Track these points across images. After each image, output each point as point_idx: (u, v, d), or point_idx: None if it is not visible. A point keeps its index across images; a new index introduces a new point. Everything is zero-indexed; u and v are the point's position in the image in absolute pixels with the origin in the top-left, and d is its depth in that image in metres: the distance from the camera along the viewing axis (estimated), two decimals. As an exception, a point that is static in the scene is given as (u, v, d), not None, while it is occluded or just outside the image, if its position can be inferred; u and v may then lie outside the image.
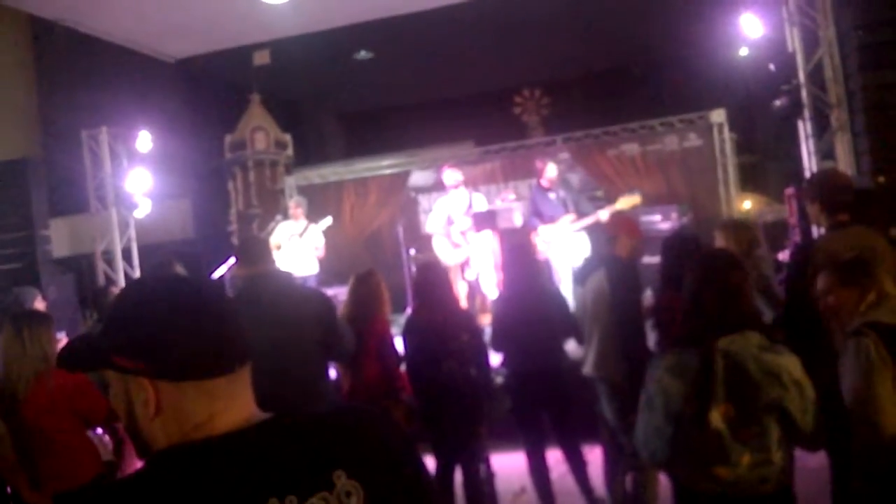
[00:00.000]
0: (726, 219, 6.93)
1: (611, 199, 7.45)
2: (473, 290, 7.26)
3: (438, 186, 8.79)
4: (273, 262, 3.48)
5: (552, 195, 7.07)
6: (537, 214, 7.07)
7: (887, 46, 5.96)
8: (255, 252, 3.39)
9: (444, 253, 7.32)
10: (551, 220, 6.95)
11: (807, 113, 6.23)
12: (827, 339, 3.05)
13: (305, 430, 1.04)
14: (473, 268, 7.19)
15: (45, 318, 3.39)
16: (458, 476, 4.04)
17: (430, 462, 4.14)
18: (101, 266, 7.96)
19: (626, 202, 6.84)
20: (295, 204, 7.66)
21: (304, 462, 1.00)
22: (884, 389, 2.06)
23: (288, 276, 3.70)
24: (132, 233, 8.13)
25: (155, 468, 0.99)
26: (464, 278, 7.26)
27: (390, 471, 1.06)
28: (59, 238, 8.83)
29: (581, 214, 6.91)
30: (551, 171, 7.07)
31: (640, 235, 4.27)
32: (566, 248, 6.91)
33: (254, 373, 3.19)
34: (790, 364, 2.23)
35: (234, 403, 1.02)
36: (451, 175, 7.35)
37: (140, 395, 1.00)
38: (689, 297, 2.38)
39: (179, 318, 1.01)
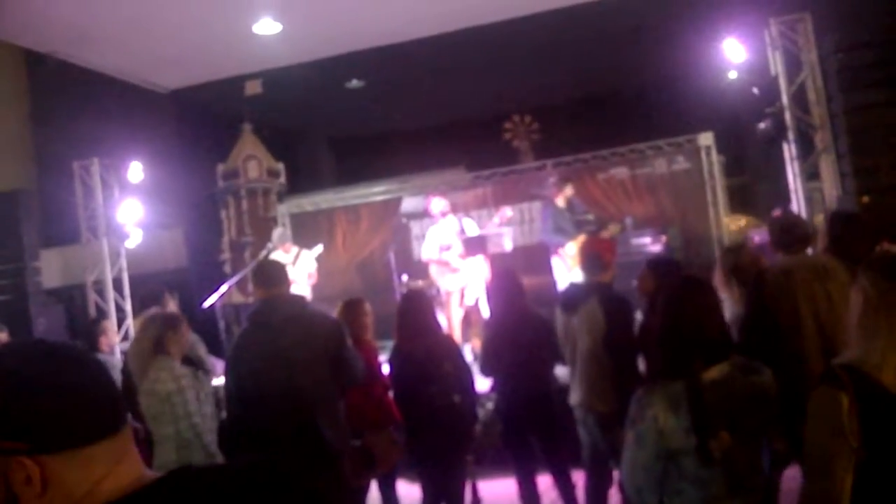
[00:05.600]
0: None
1: (601, 224, 7.50)
2: (471, 314, 7.25)
3: (430, 213, 8.84)
4: (288, 285, 3.55)
5: (568, 214, 7.19)
6: (560, 231, 7.12)
7: (868, 68, 6.05)
8: (271, 274, 3.51)
9: (443, 279, 7.29)
10: (572, 237, 7.03)
11: (791, 135, 6.30)
12: (784, 360, 3.11)
13: (199, 486, 1.00)
14: (470, 293, 7.19)
15: None
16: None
17: (416, 490, 4.12)
18: (92, 296, 7.95)
19: (615, 228, 6.97)
20: (280, 240, 7.59)
21: None
22: (843, 459, 1.81)
23: (301, 299, 3.74)
24: (123, 263, 8.13)
25: None
26: (462, 304, 7.24)
27: None
28: (50, 269, 8.82)
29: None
30: (569, 190, 7.20)
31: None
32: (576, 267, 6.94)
33: (265, 394, 3.19)
34: (771, 382, 2.25)
35: (120, 465, 0.98)
36: (437, 204, 7.38)
37: (19, 476, 0.93)
38: (665, 327, 2.33)
39: (48, 388, 0.95)
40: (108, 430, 0.98)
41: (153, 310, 4.57)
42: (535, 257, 7.81)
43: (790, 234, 3.44)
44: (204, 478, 1.03)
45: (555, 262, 7.23)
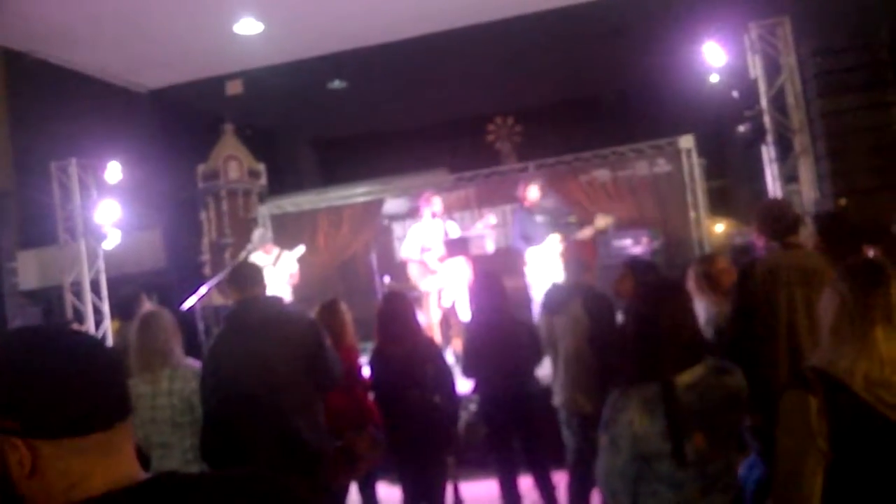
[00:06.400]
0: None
1: (583, 225, 7.52)
2: (449, 316, 7.25)
3: (412, 214, 8.83)
4: (264, 287, 3.52)
5: (538, 217, 7.15)
6: (525, 237, 7.12)
7: (846, 72, 6.13)
8: (247, 276, 3.47)
9: (420, 279, 7.30)
10: (538, 241, 7.02)
11: (770, 138, 6.36)
12: (763, 352, 3.15)
13: (183, 493, 1.00)
14: (448, 294, 7.19)
15: None
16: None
17: (396, 492, 4.11)
18: (69, 298, 7.85)
19: (602, 221, 6.97)
20: (260, 241, 7.50)
21: None
22: (812, 461, 1.82)
23: (278, 301, 3.71)
24: (101, 264, 8.04)
25: None
26: (440, 305, 7.24)
27: None
28: (27, 271, 8.71)
29: (564, 235, 7.01)
30: (533, 192, 7.18)
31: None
32: (550, 270, 6.93)
33: (242, 396, 3.13)
34: (742, 382, 2.27)
35: (112, 461, 0.99)
36: (437, 203, 7.35)
37: (14, 455, 0.95)
38: (639, 331, 2.32)
39: (56, 375, 0.97)
40: (104, 424, 0.99)
41: (148, 306, 4.51)
42: (516, 260, 7.82)
43: (780, 222, 3.41)
44: (194, 484, 1.03)
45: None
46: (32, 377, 0.96)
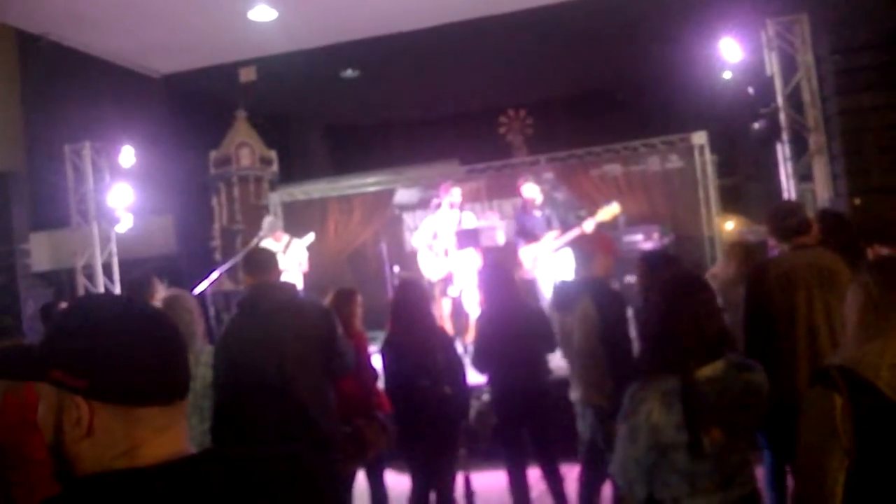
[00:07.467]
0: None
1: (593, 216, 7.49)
2: (457, 306, 7.26)
3: (423, 204, 8.84)
4: (279, 273, 3.54)
5: (537, 213, 7.14)
6: (521, 233, 7.13)
7: (863, 71, 6.08)
8: (261, 262, 3.51)
9: (428, 267, 7.32)
10: (535, 238, 7.00)
11: (785, 136, 6.32)
12: (781, 353, 3.14)
13: (230, 470, 1.02)
14: (456, 284, 7.20)
15: (14, 331, 3.36)
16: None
17: (404, 480, 4.13)
18: (81, 281, 7.90)
19: (607, 212, 6.92)
20: (270, 228, 7.49)
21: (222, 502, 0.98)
22: (835, 460, 1.79)
23: (291, 287, 3.72)
24: (113, 247, 8.08)
25: (76, 496, 0.98)
26: (447, 294, 7.25)
27: None
28: (40, 252, 8.76)
29: (566, 230, 6.97)
30: (526, 190, 7.17)
31: (615, 253, 4.30)
32: (551, 266, 6.94)
33: (254, 381, 3.16)
34: (763, 379, 2.27)
35: (163, 435, 1.01)
36: (457, 193, 7.36)
37: (72, 414, 0.97)
38: (659, 323, 2.31)
39: (128, 342, 0.99)
40: (166, 399, 1.02)
41: (161, 290, 4.53)
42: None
43: (786, 221, 3.39)
44: (236, 461, 1.04)
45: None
46: (108, 341, 0.99)
